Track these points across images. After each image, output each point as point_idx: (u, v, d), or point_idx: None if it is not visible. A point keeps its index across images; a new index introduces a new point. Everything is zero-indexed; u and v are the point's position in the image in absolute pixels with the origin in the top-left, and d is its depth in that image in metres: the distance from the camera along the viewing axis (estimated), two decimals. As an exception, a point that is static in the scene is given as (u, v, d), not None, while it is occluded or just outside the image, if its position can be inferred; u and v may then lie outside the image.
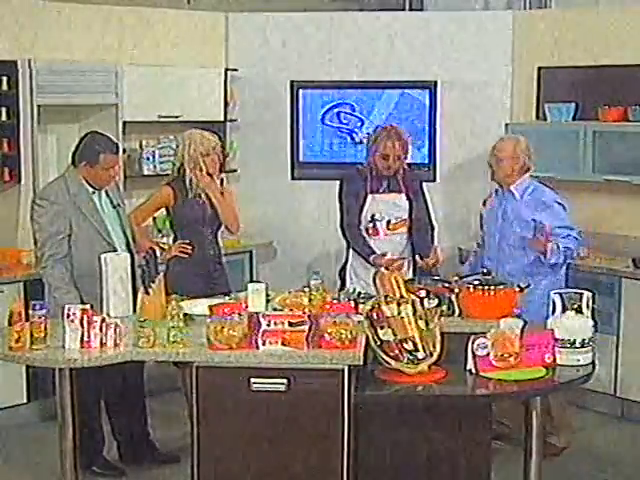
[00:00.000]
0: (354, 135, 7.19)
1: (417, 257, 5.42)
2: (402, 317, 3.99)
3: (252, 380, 3.98)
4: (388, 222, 5.46)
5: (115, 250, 4.87)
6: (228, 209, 5.50)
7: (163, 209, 5.56)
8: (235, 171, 7.26)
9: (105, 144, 4.94)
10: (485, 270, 4.82)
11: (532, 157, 5.36)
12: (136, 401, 5.25)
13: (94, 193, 4.96)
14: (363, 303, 4.34)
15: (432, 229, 5.66)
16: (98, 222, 4.92)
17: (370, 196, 5.44)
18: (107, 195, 5.03)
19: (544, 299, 4.83)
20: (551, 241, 5.12)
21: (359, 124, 7.13)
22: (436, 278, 4.87)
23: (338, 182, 5.61)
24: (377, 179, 5.47)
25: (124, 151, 6.52)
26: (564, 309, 4.26)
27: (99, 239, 4.89)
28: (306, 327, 4.03)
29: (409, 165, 5.63)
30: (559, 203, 5.29)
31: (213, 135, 5.49)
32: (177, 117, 6.70)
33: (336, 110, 7.21)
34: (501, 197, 5.41)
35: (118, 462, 5.25)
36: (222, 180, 5.62)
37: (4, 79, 5.99)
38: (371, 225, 5.46)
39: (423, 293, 4.33)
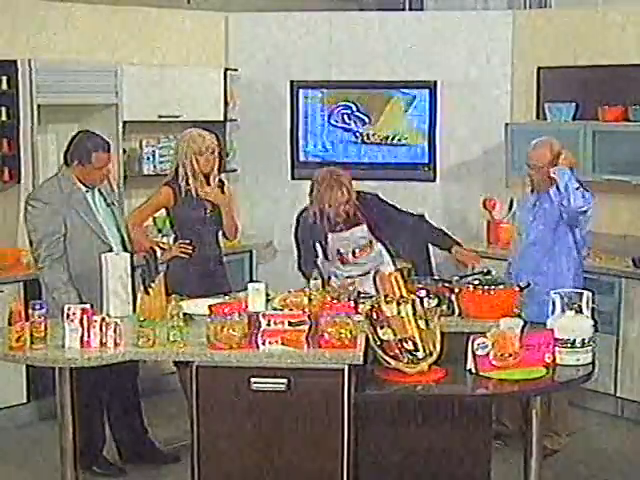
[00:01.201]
0: (356, 135, 7.19)
1: (453, 250, 5.36)
2: (402, 317, 3.99)
3: (252, 380, 3.98)
4: (354, 252, 5.39)
5: (110, 248, 4.87)
6: (228, 216, 5.49)
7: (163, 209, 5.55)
8: (235, 171, 7.26)
9: (97, 143, 4.93)
10: (485, 270, 4.81)
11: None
12: (131, 400, 5.24)
13: (88, 192, 4.95)
14: (363, 303, 4.34)
15: (422, 217, 5.58)
16: (92, 221, 4.91)
17: (330, 235, 5.34)
18: (100, 193, 5.02)
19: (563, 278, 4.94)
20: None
21: (360, 124, 7.13)
22: (436, 278, 4.87)
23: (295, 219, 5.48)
24: (333, 220, 5.32)
25: (124, 151, 6.53)
26: (564, 309, 4.26)
27: (94, 238, 4.89)
28: (306, 327, 4.03)
29: (358, 193, 5.34)
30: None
31: (210, 134, 5.43)
32: (177, 117, 6.70)
33: (336, 110, 7.21)
34: (537, 197, 5.30)
35: (118, 462, 5.25)
36: (222, 181, 5.59)
37: (4, 79, 5.99)
38: (338, 257, 5.39)
39: (423, 293, 4.33)
